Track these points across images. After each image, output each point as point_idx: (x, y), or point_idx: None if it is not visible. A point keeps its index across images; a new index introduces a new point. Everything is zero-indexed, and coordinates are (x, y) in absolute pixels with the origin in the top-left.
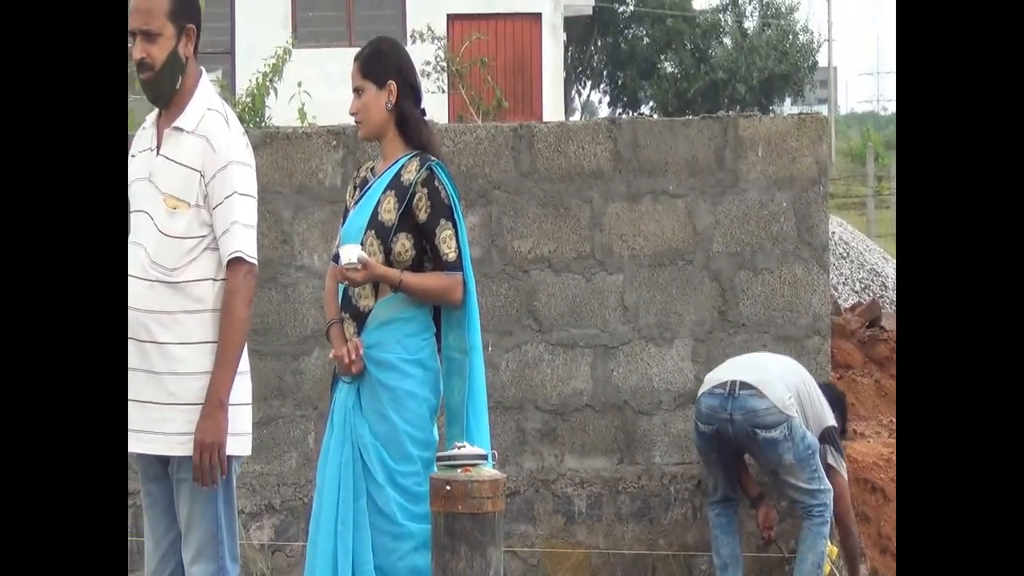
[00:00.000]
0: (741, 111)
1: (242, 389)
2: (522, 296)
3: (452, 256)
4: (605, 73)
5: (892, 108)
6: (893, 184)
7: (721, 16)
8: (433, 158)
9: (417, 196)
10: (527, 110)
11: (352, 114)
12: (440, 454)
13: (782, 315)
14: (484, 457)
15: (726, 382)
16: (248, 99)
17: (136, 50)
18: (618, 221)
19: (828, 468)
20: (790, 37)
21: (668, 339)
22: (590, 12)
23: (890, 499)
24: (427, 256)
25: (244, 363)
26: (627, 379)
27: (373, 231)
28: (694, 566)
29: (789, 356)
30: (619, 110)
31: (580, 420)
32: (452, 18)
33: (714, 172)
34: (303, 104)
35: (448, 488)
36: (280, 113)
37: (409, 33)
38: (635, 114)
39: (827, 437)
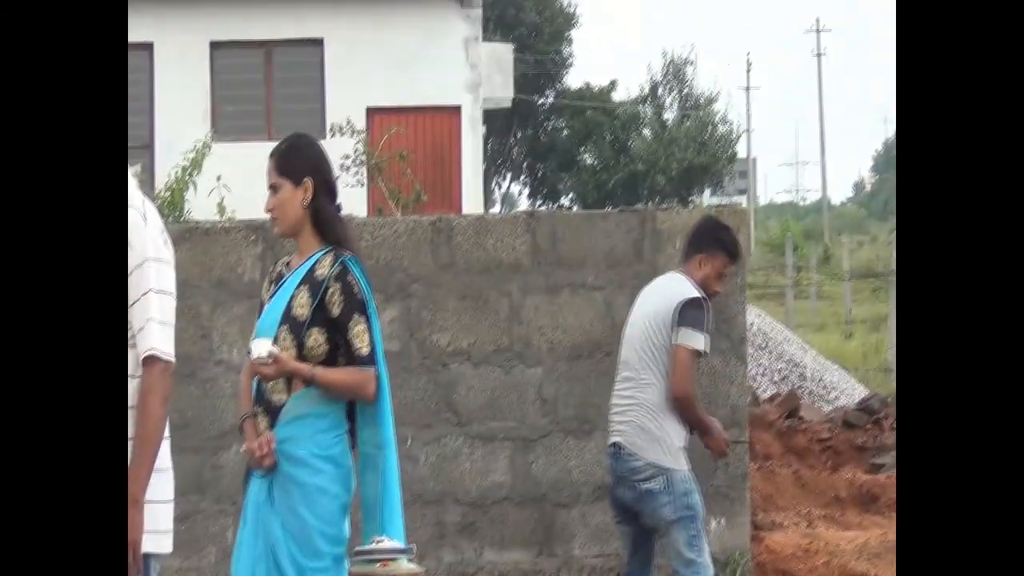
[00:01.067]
0: (660, 203)
1: (162, 486)
2: (441, 389)
3: (365, 351)
4: (525, 165)
5: (811, 198)
6: (812, 274)
7: (640, 108)
8: (347, 253)
9: (330, 291)
10: (447, 202)
11: (268, 211)
12: (358, 548)
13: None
14: (402, 551)
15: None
16: (167, 193)
17: None
18: (537, 314)
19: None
20: (709, 128)
21: (587, 431)
22: (509, 104)
23: None
24: (340, 351)
25: (165, 460)
26: (546, 471)
27: (287, 326)
28: None
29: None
30: (539, 202)
31: (499, 513)
32: (371, 111)
33: (632, 264)
34: (222, 198)
35: None
36: (200, 207)
37: (328, 126)
38: (554, 206)
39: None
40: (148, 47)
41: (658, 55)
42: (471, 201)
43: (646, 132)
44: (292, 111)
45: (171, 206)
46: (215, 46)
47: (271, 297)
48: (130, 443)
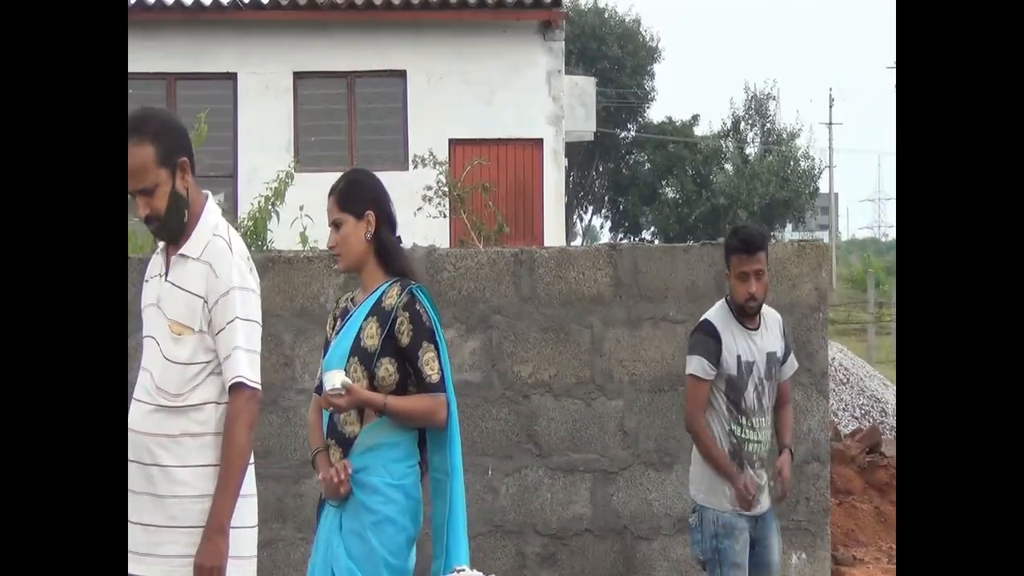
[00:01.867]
0: None
1: (246, 513)
2: (522, 420)
3: (435, 378)
4: (606, 198)
5: (893, 234)
6: (894, 310)
7: (723, 142)
8: (413, 283)
9: (399, 321)
10: (529, 235)
11: (331, 247)
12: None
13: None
14: None
15: None
16: (250, 223)
17: (139, 208)
18: (618, 346)
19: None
20: (791, 163)
21: (668, 464)
22: (591, 138)
23: None
24: (411, 380)
25: (249, 486)
26: (627, 504)
27: (356, 357)
28: None
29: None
30: (620, 235)
31: (580, 545)
32: (453, 143)
33: (714, 298)
34: (304, 228)
35: None
36: (282, 237)
37: (411, 158)
38: (636, 239)
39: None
40: (232, 77)
41: (740, 90)
42: (553, 234)
43: (728, 167)
44: (374, 142)
45: (254, 235)
46: (298, 76)
47: (337, 332)
48: (215, 470)
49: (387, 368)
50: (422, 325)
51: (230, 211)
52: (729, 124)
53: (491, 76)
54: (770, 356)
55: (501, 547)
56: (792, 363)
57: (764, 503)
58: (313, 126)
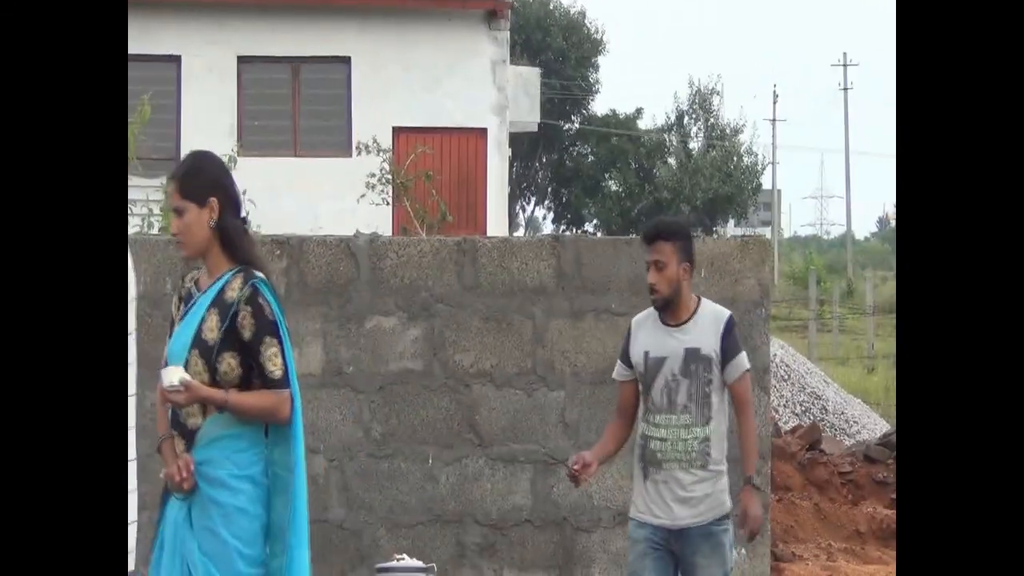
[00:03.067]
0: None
1: None
2: (463, 410)
3: (278, 373)
4: (549, 190)
5: (835, 232)
6: (835, 308)
7: (666, 136)
8: (257, 274)
9: (241, 315)
10: (471, 224)
11: (174, 235)
12: (380, 565)
13: None
14: (424, 570)
15: None
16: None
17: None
18: (560, 338)
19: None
20: (734, 159)
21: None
22: (535, 128)
23: None
24: (255, 374)
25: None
26: (567, 495)
27: (197, 350)
28: None
29: (729, 480)
30: (563, 227)
31: (519, 535)
32: (397, 131)
33: None
34: (247, 212)
35: None
36: None
37: (354, 144)
38: (578, 231)
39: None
40: (176, 60)
41: (684, 84)
42: (496, 223)
43: (671, 161)
44: (318, 127)
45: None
46: (243, 60)
47: (181, 318)
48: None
49: (229, 363)
50: (265, 319)
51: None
52: (673, 118)
53: (436, 64)
54: (690, 352)
55: (440, 536)
56: (737, 364)
57: (680, 514)
58: (257, 111)
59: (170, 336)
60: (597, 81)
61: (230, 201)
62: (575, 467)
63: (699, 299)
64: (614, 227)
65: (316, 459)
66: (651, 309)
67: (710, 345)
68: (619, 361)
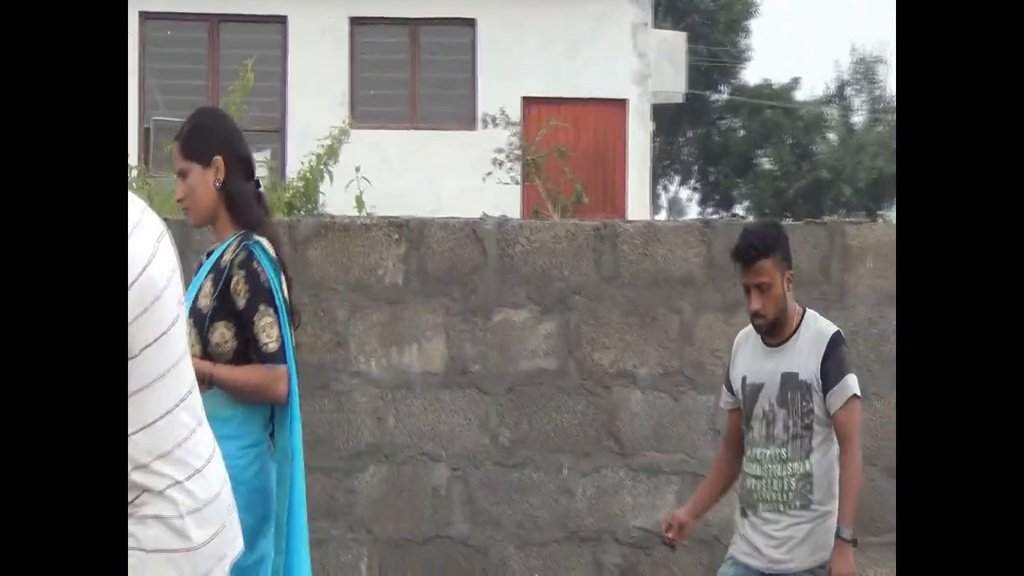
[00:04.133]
0: (848, 216)
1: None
2: (602, 414)
3: (273, 346)
4: (695, 168)
5: None
6: None
7: (825, 109)
8: (256, 237)
9: (235, 280)
10: (609, 205)
11: (179, 200)
12: None
13: (891, 445)
14: None
15: None
16: (300, 183)
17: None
18: (711, 334)
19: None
20: None
21: None
22: (681, 100)
23: None
24: (252, 348)
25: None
26: (718, 512)
27: (191, 319)
28: None
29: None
30: (710, 209)
31: (664, 556)
32: (528, 101)
33: (818, 284)
34: (361, 191)
35: None
36: (336, 201)
37: (480, 117)
38: (728, 215)
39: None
40: (282, 21)
41: (847, 52)
42: (636, 205)
43: (831, 136)
44: (439, 98)
45: (304, 198)
46: (356, 22)
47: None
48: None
49: (222, 333)
50: (260, 285)
51: (276, 169)
52: (833, 89)
53: (571, 28)
54: (786, 377)
55: (576, 555)
56: (841, 390)
57: (775, 557)
58: (372, 78)
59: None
60: (749, 47)
61: (240, 161)
62: (668, 534)
63: (803, 312)
64: (767, 209)
65: (438, 468)
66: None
67: (810, 369)
68: (724, 386)
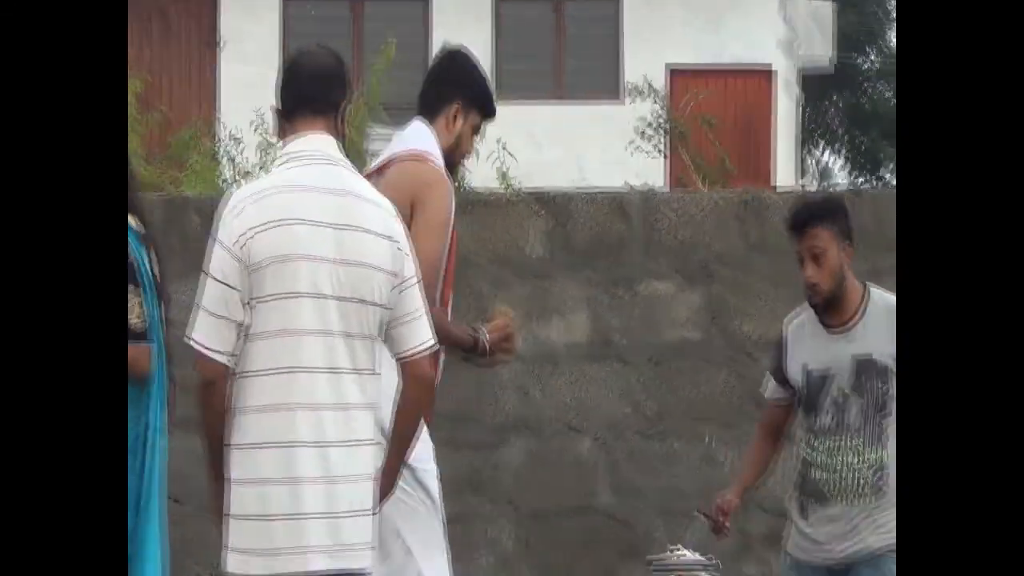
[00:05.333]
0: None
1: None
2: (747, 384)
3: (138, 325)
4: (844, 134)
5: None
6: None
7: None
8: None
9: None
10: (755, 175)
11: None
12: (654, 558)
13: None
14: (705, 566)
15: None
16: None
17: None
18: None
19: None
20: None
21: None
22: (829, 67)
23: None
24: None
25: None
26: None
27: None
28: None
29: None
30: (860, 177)
31: None
32: (673, 72)
33: None
34: (507, 167)
35: None
36: (479, 175)
37: (625, 88)
38: (878, 182)
39: None
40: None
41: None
42: (784, 174)
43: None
44: (584, 69)
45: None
46: (503, 1)
47: None
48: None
49: None
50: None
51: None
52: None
53: (709, 6)
54: (862, 363)
55: None
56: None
57: (841, 546)
58: (516, 52)
59: None
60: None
61: None
62: (720, 517)
63: (866, 288)
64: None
65: (581, 439)
66: (807, 309)
67: (886, 350)
68: (769, 375)
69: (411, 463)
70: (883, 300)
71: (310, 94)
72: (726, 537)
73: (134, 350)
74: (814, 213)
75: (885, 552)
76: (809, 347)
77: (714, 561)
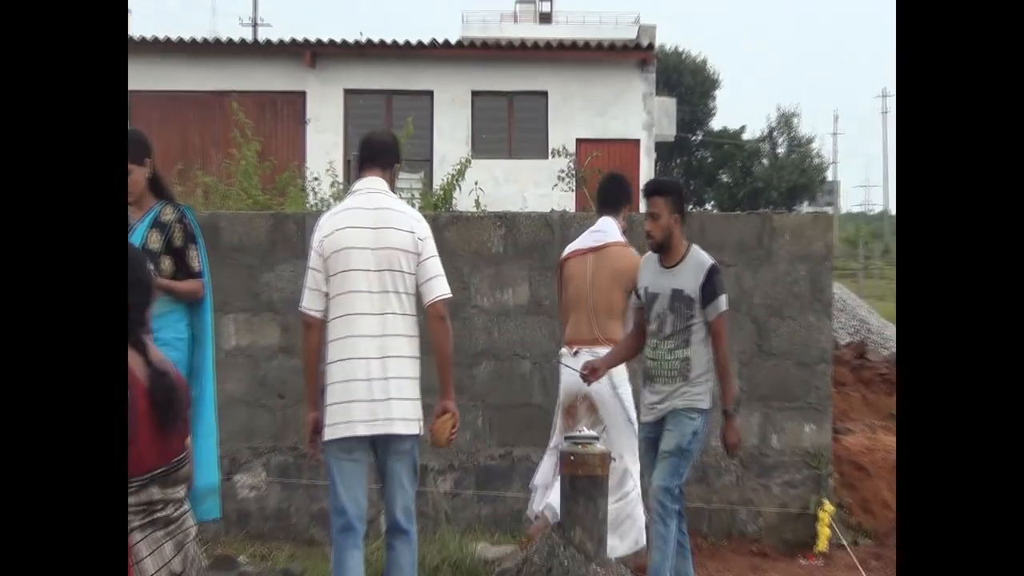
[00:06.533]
0: (774, 210)
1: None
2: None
3: (196, 268)
4: (681, 182)
5: (877, 209)
6: (876, 261)
7: (761, 144)
8: (181, 204)
9: (175, 230)
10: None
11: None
12: (568, 434)
13: (799, 348)
14: (597, 438)
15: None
16: (441, 192)
17: None
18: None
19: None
20: (808, 160)
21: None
22: (672, 140)
23: (871, 475)
24: (179, 270)
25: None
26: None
27: (147, 255)
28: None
29: (804, 376)
30: (691, 207)
31: None
32: (579, 141)
33: (755, 250)
34: (478, 197)
35: (572, 458)
36: (463, 202)
37: (550, 150)
38: (702, 209)
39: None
40: (429, 94)
41: (774, 109)
42: (642, 206)
43: (764, 161)
44: (526, 138)
45: (444, 201)
46: (475, 94)
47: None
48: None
49: (166, 262)
50: (189, 233)
51: (426, 184)
52: (766, 132)
53: (605, 95)
54: (675, 292)
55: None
56: (715, 307)
57: (663, 407)
58: (484, 128)
59: None
60: (715, 106)
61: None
62: (584, 371)
63: (689, 246)
64: (725, 206)
65: (524, 362)
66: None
67: (692, 288)
68: (633, 291)
69: (616, 383)
70: (699, 256)
71: (373, 155)
72: (591, 383)
73: (197, 283)
74: (657, 188)
75: (683, 410)
76: (649, 275)
77: (600, 436)
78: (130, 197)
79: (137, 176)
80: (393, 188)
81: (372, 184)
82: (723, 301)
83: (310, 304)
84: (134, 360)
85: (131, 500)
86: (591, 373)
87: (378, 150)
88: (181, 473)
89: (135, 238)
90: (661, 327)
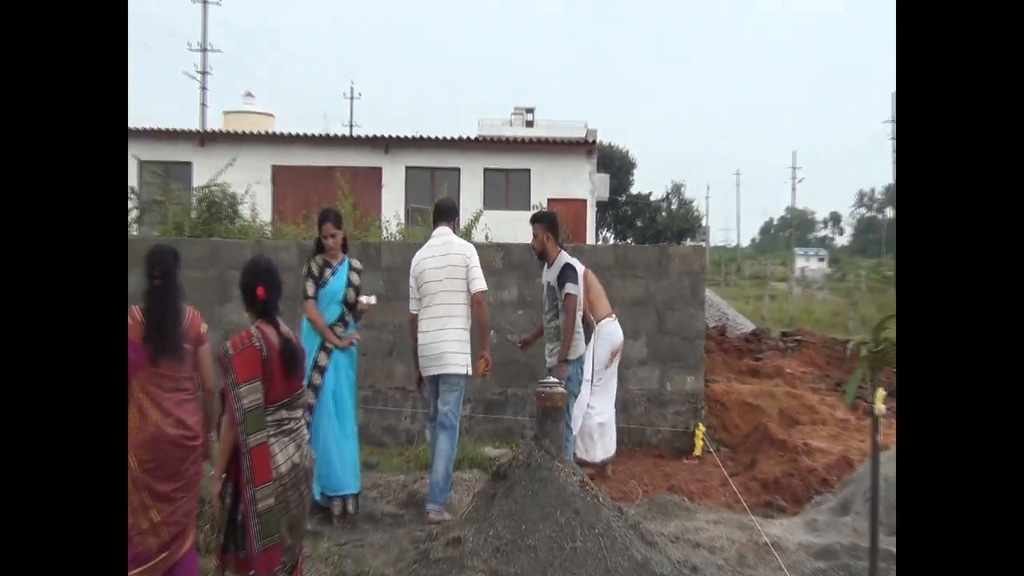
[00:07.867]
0: (669, 243)
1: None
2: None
3: (311, 293)
4: (614, 227)
5: (732, 244)
6: (732, 276)
7: (661, 203)
8: (351, 258)
9: (357, 274)
10: (578, 241)
11: (330, 241)
12: (541, 380)
13: (684, 329)
14: (559, 382)
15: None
16: (464, 231)
17: None
18: (611, 291)
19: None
20: (690, 213)
21: (634, 336)
22: (607, 199)
23: (728, 408)
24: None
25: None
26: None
27: (351, 289)
28: None
29: (686, 347)
30: (620, 240)
31: None
32: (550, 200)
33: (656, 268)
34: (487, 233)
35: (543, 394)
36: (478, 236)
37: (532, 204)
38: (623, 243)
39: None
40: (457, 170)
41: (670, 180)
42: (590, 240)
43: (663, 213)
44: (516, 195)
45: (466, 236)
46: (486, 170)
47: (330, 278)
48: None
49: (351, 294)
50: (360, 276)
51: (456, 227)
52: (664, 195)
53: (565, 172)
54: (548, 284)
55: None
56: (564, 291)
57: (550, 361)
58: (491, 193)
59: (317, 284)
60: (633, 179)
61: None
62: (519, 343)
63: (559, 254)
64: (639, 241)
65: (515, 337)
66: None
67: (552, 279)
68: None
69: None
70: (561, 259)
71: (441, 213)
72: (528, 349)
73: (308, 304)
74: (534, 218)
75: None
76: (544, 272)
77: (562, 381)
78: (331, 251)
79: (339, 236)
80: (455, 230)
81: (440, 231)
82: (569, 287)
83: (412, 307)
84: (271, 331)
85: (268, 419)
86: (523, 346)
87: (444, 209)
88: (300, 402)
89: (340, 276)
90: (548, 307)
